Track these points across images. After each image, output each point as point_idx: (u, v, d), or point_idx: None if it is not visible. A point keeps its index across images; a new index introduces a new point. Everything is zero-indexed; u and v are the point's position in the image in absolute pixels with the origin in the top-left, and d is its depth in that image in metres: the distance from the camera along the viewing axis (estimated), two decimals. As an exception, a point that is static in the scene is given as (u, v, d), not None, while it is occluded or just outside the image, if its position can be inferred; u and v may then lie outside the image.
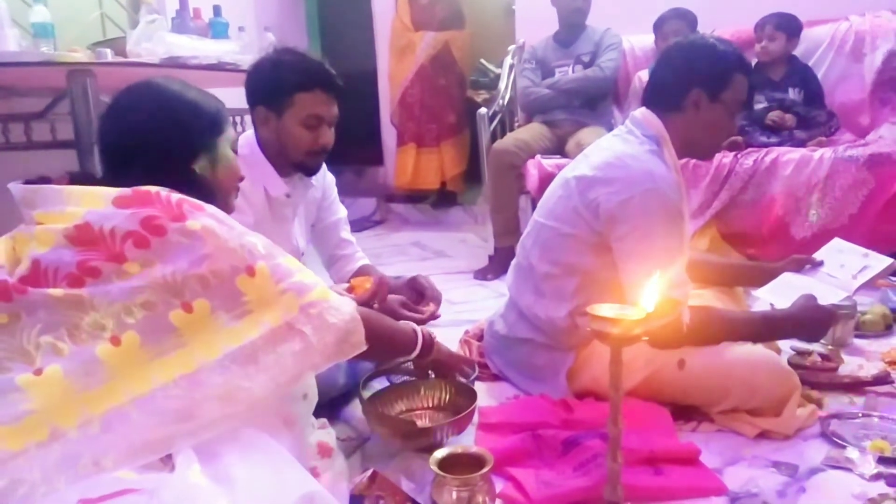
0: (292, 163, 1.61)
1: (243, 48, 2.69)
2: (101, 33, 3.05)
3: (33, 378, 0.85)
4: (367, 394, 1.48)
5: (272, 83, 1.56)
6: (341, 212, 1.89)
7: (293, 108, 1.55)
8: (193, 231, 0.92)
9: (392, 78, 4.28)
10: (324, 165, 1.73)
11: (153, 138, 1.04)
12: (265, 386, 0.92)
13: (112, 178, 1.01)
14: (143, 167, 1.01)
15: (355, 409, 1.58)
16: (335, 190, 1.88)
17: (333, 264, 1.89)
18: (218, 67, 2.50)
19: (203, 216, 0.94)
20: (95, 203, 0.92)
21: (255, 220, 1.57)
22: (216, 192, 1.11)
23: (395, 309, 1.59)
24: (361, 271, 1.86)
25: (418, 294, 1.75)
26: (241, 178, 1.19)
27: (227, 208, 1.13)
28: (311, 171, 1.66)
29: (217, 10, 2.81)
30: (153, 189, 0.94)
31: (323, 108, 1.57)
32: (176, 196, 0.94)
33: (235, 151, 1.16)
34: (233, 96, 3.10)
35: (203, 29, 2.72)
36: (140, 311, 0.89)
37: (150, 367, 0.88)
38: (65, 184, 0.99)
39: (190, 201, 0.95)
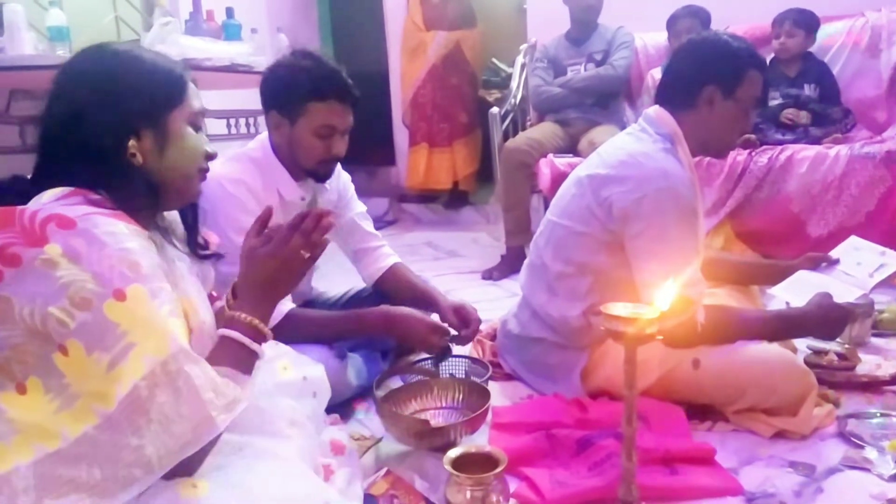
0: (303, 169, 1.60)
1: (256, 50, 2.71)
2: (115, 36, 3.07)
3: None
4: (380, 393, 1.49)
5: (287, 89, 1.52)
6: (360, 207, 1.86)
7: (306, 117, 1.51)
8: (51, 257, 0.78)
9: (404, 78, 4.29)
10: (338, 165, 1.72)
11: (75, 113, 0.88)
12: (159, 443, 0.78)
13: (39, 175, 0.90)
14: (68, 155, 0.88)
15: (369, 408, 1.58)
16: (352, 188, 1.85)
17: (360, 260, 1.86)
18: (231, 69, 2.52)
19: (70, 236, 0.79)
20: None
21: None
22: (164, 180, 0.94)
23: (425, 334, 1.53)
24: (392, 272, 1.83)
25: (462, 320, 1.68)
26: (211, 157, 1.01)
27: (188, 194, 1.00)
28: (321, 178, 1.64)
29: (230, 13, 2.83)
30: (20, 207, 0.81)
31: (336, 118, 1.53)
32: (45, 213, 0.80)
33: (199, 128, 0.99)
34: (246, 97, 3.13)
35: (216, 31, 2.74)
36: (28, 356, 0.79)
37: (58, 420, 0.77)
38: None
39: (61, 217, 0.80)
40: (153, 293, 0.82)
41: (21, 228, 0.79)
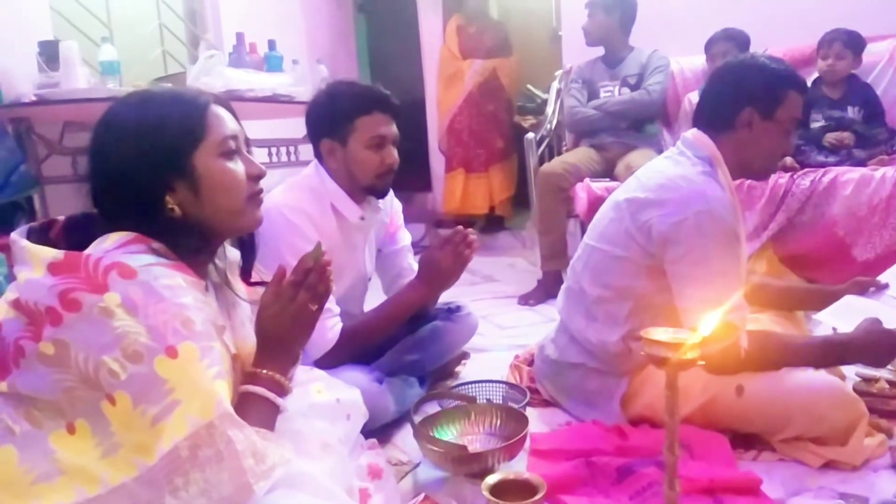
0: (362, 188, 1.65)
1: (297, 80, 2.78)
2: (163, 69, 3.19)
3: None
4: (418, 418, 1.49)
5: (332, 114, 1.61)
6: (406, 239, 1.93)
7: (356, 133, 1.60)
8: (108, 306, 0.79)
9: (440, 106, 4.34)
10: (391, 191, 1.76)
11: (109, 185, 0.90)
12: None
13: (103, 220, 0.91)
14: (119, 214, 0.90)
15: (407, 433, 1.58)
16: (401, 217, 1.92)
17: (391, 290, 1.89)
18: (273, 99, 2.59)
19: (129, 286, 0.80)
20: (37, 268, 0.81)
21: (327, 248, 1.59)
22: (210, 222, 0.94)
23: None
24: None
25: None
26: (260, 175, 0.98)
27: (242, 226, 0.98)
28: (381, 193, 1.70)
29: (272, 45, 2.91)
30: (86, 252, 0.83)
31: (384, 127, 1.61)
32: (109, 261, 0.81)
33: (235, 153, 0.94)
34: (287, 127, 3.20)
35: (258, 63, 2.82)
36: (78, 401, 0.80)
37: (101, 466, 0.79)
38: (60, 226, 0.93)
39: (123, 266, 0.81)
40: (203, 352, 0.83)
41: (86, 274, 0.80)
